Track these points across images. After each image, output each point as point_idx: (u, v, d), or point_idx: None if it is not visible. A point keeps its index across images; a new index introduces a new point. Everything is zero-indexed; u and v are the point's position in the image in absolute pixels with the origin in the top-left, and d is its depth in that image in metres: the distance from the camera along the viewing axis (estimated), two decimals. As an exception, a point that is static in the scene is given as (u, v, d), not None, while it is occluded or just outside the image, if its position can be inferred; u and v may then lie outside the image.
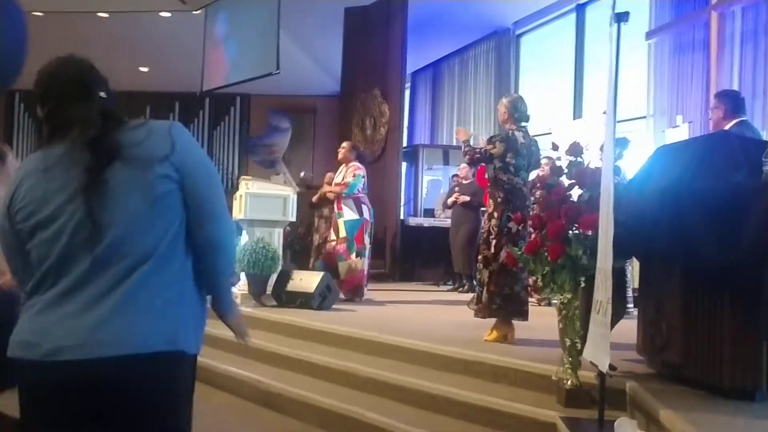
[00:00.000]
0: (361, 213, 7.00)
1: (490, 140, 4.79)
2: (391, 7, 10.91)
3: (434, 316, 6.14)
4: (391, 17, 10.92)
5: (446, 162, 12.08)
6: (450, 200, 8.69)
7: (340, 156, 7.28)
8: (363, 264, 6.94)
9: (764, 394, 2.94)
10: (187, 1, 11.44)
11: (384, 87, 11.06)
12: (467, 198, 8.32)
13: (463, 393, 3.81)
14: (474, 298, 4.96)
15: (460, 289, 8.46)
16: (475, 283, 4.97)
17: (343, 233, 6.94)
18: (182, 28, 11.89)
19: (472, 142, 4.89)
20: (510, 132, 4.74)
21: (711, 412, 2.79)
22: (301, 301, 6.19)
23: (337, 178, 7.27)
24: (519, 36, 11.94)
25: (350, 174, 7.06)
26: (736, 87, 7.56)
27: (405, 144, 11.93)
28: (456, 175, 9.23)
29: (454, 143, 12.60)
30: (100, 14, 11.63)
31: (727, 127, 4.27)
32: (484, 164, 4.96)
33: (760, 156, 3.04)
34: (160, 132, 1.65)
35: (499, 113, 4.97)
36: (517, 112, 4.77)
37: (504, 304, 4.60)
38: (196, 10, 11.74)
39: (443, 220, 9.61)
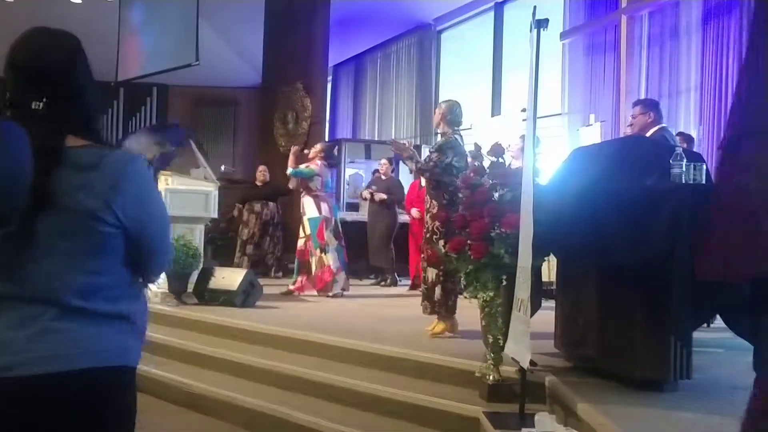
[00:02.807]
0: (320, 211, 7.06)
1: (439, 148, 4.90)
2: (314, 0, 10.83)
3: (358, 311, 6.18)
4: (313, 10, 10.84)
5: (368, 156, 12.10)
6: (365, 193, 8.84)
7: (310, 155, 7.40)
8: (330, 260, 7.01)
9: (671, 385, 3.13)
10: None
11: (306, 80, 10.98)
12: (384, 196, 8.56)
13: (389, 390, 3.86)
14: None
15: (382, 283, 8.61)
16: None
17: (308, 230, 7.05)
18: (95, 15, 11.40)
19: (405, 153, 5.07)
20: (453, 137, 4.92)
21: (625, 404, 2.95)
22: (225, 298, 6.09)
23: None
24: (440, 32, 12.10)
25: (304, 165, 7.22)
26: (643, 88, 7.96)
27: (327, 138, 11.89)
28: (377, 171, 9.31)
29: (377, 137, 12.67)
30: (6, -2, 11.02)
31: (650, 132, 4.50)
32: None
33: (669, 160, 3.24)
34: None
35: (435, 115, 5.16)
36: (451, 115, 4.95)
37: (456, 300, 4.74)
38: (109, -3, 11.31)
39: (364, 216, 9.64)
